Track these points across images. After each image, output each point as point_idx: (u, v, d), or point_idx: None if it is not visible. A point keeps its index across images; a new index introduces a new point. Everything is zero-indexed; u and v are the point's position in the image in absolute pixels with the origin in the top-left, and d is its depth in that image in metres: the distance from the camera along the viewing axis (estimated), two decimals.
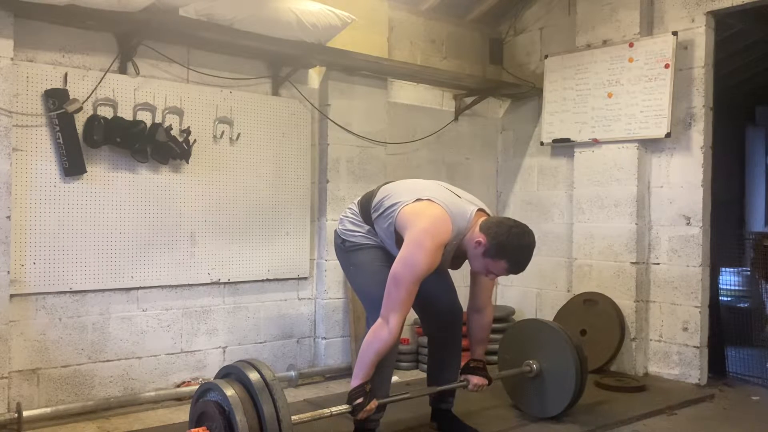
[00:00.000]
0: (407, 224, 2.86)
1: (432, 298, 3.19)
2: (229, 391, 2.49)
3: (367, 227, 3.09)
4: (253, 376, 2.53)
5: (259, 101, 4.29)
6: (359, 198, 3.23)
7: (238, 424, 2.42)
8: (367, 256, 3.07)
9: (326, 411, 2.78)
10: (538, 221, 5.38)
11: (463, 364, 3.35)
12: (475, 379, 3.25)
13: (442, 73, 5.01)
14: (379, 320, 2.82)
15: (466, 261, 3.03)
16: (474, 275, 3.18)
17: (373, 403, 2.85)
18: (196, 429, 2.58)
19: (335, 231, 3.25)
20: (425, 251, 2.76)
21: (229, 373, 2.67)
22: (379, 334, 2.80)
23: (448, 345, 3.30)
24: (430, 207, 2.88)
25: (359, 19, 4.33)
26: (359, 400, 2.81)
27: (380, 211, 3.01)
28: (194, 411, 2.68)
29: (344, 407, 2.83)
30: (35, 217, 3.49)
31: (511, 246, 2.80)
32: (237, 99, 4.19)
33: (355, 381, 2.85)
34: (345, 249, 3.16)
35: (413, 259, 2.76)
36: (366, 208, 3.10)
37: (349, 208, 3.22)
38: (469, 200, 3.03)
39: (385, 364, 2.97)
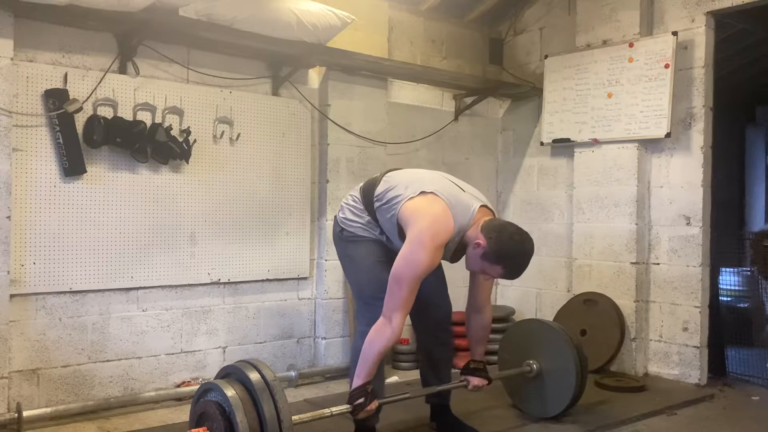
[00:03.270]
0: (409, 221, 2.85)
1: (422, 295, 3.18)
2: (230, 392, 2.49)
3: (367, 218, 3.07)
4: (254, 376, 2.53)
5: (259, 101, 4.29)
6: (362, 184, 3.19)
7: (238, 425, 2.42)
8: (363, 250, 3.08)
9: (326, 411, 2.78)
10: (538, 221, 5.39)
11: (463, 364, 3.35)
12: (476, 380, 3.25)
13: (442, 73, 5.01)
14: (381, 319, 2.82)
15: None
16: (474, 275, 3.18)
17: (374, 404, 2.85)
18: (197, 429, 2.58)
19: (335, 217, 3.24)
20: (426, 250, 2.76)
21: (229, 373, 2.66)
22: (383, 333, 2.80)
23: (440, 341, 3.30)
24: (433, 204, 2.86)
25: (359, 19, 4.33)
26: (360, 400, 2.81)
27: (383, 201, 2.99)
28: (194, 411, 2.68)
29: (345, 407, 2.83)
30: (35, 217, 3.49)
31: (510, 253, 2.81)
32: (237, 99, 4.19)
33: (357, 381, 2.85)
34: (343, 238, 3.16)
35: (415, 257, 2.76)
36: (368, 196, 3.07)
37: (351, 195, 3.20)
38: (473, 195, 3.01)
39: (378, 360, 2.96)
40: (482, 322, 3.25)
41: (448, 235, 2.83)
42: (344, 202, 3.22)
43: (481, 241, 2.82)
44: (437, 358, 3.32)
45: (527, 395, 3.65)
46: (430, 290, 3.20)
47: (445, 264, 3.33)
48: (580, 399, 3.58)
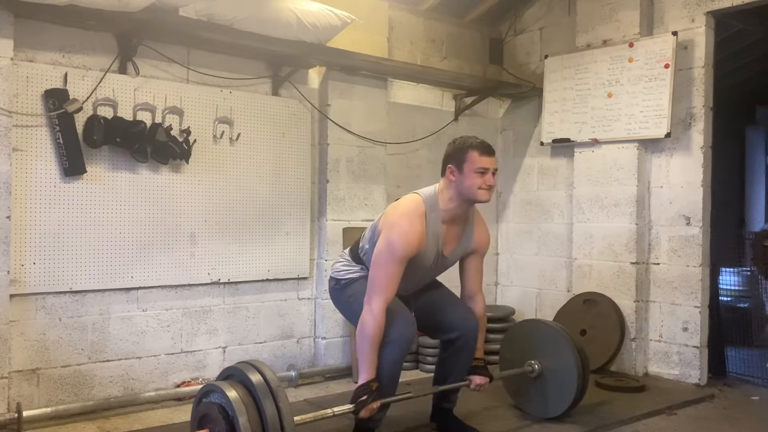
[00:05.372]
0: (384, 223, 2.97)
1: (440, 313, 3.20)
2: (232, 393, 2.49)
3: (359, 266, 3.14)
4: (255, 377, 2.53)
5: (259, 101, 4.29)
6: (349, 247, 3.28)
7: (240, 427, 2.41)
8: (360, 285, 3.05)
9: (328, 411, 2.78)
10: (538, 221, 5.39)
11: None
12: (478, 379, 3.25)
13: (442, 73, 5.01)
14: (365, 307, 2.86)
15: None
16: (462, 263, 3.22)
17: (376, 403, 2.84)
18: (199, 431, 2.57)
19: (330, 277, 3.29)
20: (399, 228, 2.86)
21: (230, 374, 2.66)
22: (364, 319, 2.84)
23: (462, 352, 3.23)
24: (398, 201, 3.08)
25: (359, 19, 4.33)
26: (363, 398, 2.82)
27: (366, 242, 3.07)
28: (196, 413, 2.67)
29: (346, 407, 2.82)
30: (35, 217, 3.49)
31: (458, 141, 3.02)
32: (237, 99, 4.19)
33: (361, 378, 2.86)
34: (341, 286, 3.19)
35: (389, 239, 2.85)
36: (355, 251, 3.17)
37: (340, 255, 3.32)
38: None
39: (393, 362, 2.95)
40: (476, 310, 3.26)
41: (419, 209, 2.94)
42: (335, 262, 3.30)
43: (447, 171, 3.01)
44: (455, 365, 3.26)
45: (529, 395, 3.65)
46: (447, 310, 3.20)
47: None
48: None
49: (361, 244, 3.14)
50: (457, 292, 3.34)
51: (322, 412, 2.79)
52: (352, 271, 3.14)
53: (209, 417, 2.56)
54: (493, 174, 2.98)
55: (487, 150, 2.98)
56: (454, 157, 2.99)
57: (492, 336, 4.05)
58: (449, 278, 3.35)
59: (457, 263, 3.25)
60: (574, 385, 3.46)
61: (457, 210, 3.03)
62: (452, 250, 3.10)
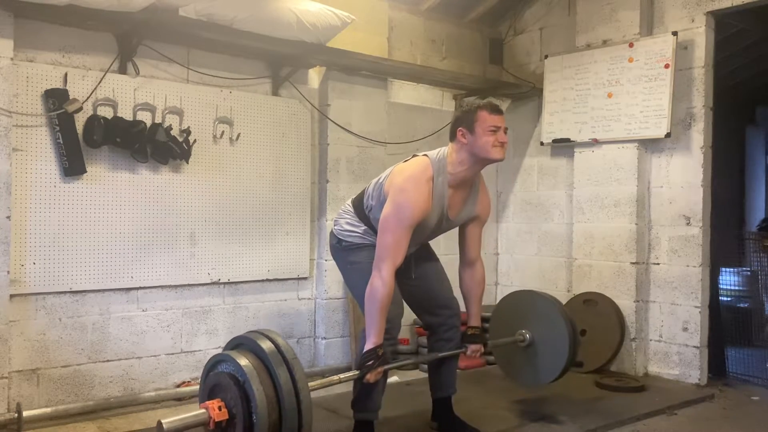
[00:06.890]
0: (391, 184, 2.97)
1: (429, 295, 3.24)
2: (243, 361, 2.45)
3: (363, 227, 3.12)
4: (266, 344, 2.50)
5: (259, 101, 4.29)
6: (353, 198, 3.27)
7: (254, 393, 2.38)
8: (364, 256, 3.09)
9: (335, 378, 2.80)
10: (538, 221, 5.39)
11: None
12: (473, 346, 3.29)
13: (442, 73, 5.01)
14: (373, 272, 2.88)
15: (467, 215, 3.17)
16: (463, 230, 3.24)
17: (382, 368, 2.89)
18: (211, 401, 2.48)
19: (331, 232, 3.28)
20: (407, 193, 2.87)
21: (239, 344, 2.62)
22: (374, 285, 2.86)
23: (444, 338, 3.28)
24: (406, 162, 3.05)
25: (359, 19, 4.33)
26: (370, 363, 2.85)
27: (371, 197, 3.07)
28: (205, 385, 2.61)
29: (352, 373, 2.86)
30: (35, 217, 3.49)
31: (465, 105, 3.04)
32: (237, 99, 4.19)
33: (369, 343, 2.88)
34: (342, 248, 3.20)
35: (397, 202, 2.87)
36: (359, 206, 3.15)
37: (343, 209, 3.27)
38: None
39: (390, 340, 3.03)
40: (476, 276, 3.29)
41: (426, 173, 2.95)
42: (337, 216, 3.29)
43: (458, 134, 2.99)
44: (444, 349, 3.29)
45: (521, 366, 3.61)
46: (435, 290, 3.26)
47: (447, 265, 3.35)
48: (580, 394, 3.60)
49: (365, 201, 3.12)
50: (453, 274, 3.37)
51: (329, 379, 2.79)
52: (356, 234, 3.13)
53: (220, 387, 2.50)
54: (504, 132, 3.01)
55: (496, 109, 3.00)
56: (464, 119, 3.00)
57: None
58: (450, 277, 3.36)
59: (457, 232, 3.29)
60: (566, 351, 3.43)
61: (466, 173, 3.04)
62: (457, 214, 3.12)
